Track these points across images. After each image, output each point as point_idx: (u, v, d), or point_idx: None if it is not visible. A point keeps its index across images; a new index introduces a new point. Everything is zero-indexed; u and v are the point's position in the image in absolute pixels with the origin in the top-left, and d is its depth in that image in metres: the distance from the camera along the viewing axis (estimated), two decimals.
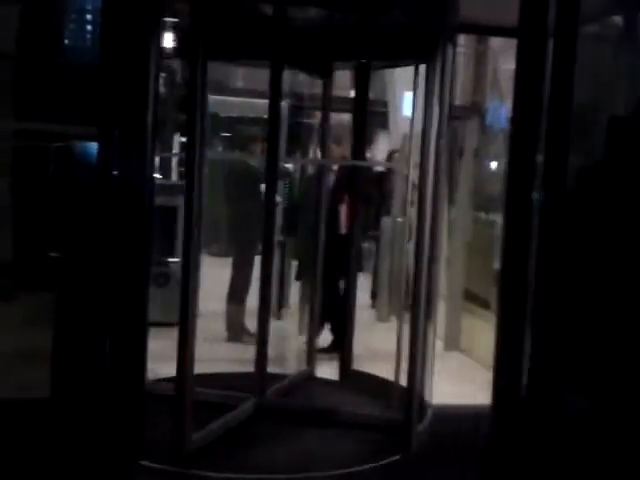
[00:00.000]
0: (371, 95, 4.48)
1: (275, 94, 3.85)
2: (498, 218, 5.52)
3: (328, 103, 4.22)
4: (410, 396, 3.33)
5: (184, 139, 11.21)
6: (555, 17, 2.24)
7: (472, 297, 5.46)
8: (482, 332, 4.81)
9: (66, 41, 3.67)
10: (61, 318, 2.60)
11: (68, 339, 2.52)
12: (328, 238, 4.44)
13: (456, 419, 3.62)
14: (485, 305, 5.28)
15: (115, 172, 2.17)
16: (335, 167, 4.84)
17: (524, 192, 2.25)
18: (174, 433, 2.92)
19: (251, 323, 4.57)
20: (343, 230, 4.67)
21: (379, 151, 9.11)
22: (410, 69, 3.64)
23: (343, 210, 4.70)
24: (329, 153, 4.63)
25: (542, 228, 2.35)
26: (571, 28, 2.25)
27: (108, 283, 2.23)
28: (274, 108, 3.87)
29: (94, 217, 2.23)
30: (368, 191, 4.72)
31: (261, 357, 3.86)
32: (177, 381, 2.87)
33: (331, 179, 4.75)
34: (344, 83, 6.69)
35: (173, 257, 5.48)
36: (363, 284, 5.52)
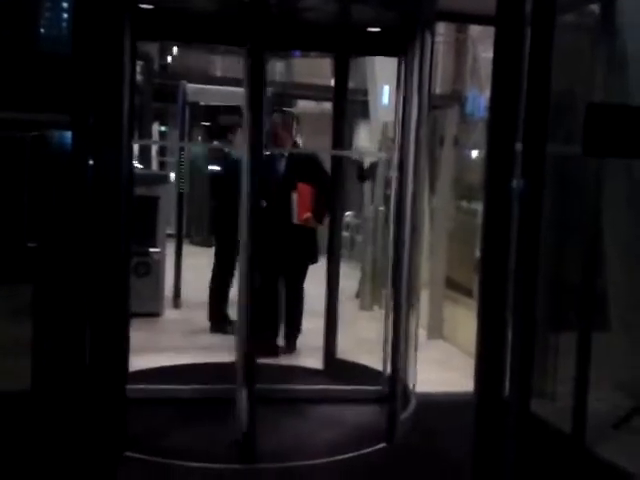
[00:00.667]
0: (352, 84, 4.48)
1: (256, 81, 3.83)
2: (479, 206, 5.57)
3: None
4: (393, 384, 3.36)
5: (163, 128, 11.16)
6: (532, 5, 2.26)
7: (454, 285, 5.51)
8: (465, 320, 4.86)
9: (39, 28, 3.62)
10: (40, 309, 2.59)
11: (48, 330, 2.52)
12: (280, 228, 4.38)
13: (440, 406, 3.66)
14: (467, 293, 5.33)
15: (90, 161, 2.16)
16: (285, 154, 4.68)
17: (503, 180, 2.28)
18: None
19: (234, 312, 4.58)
20: (295, 220, 4.53)
21: (360, 139, 9.12)
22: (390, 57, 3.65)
23: (295, 198, 4.53)
24: (278, 140, 4.59)
25: (522, 215, 2.38)
26: (548, 16, 2.27)
27: (87, 273, 2.22)
28: (256, 96, 3.85)
29: (71, 206, 2.22)
30: (321, 178, 4.49)
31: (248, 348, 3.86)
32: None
33: (282, 166, 4.62)
34: (325, 71, 6.69)
35: (154, 247, 5.46)
36: (347, 273, 5.55)
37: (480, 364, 2.35)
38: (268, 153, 4.47)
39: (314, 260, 4.69)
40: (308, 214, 4.54)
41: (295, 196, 4.53)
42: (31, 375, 2.30)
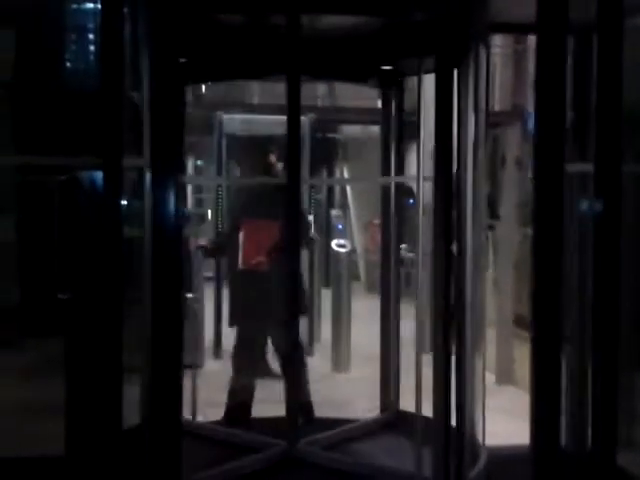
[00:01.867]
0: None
1: (294, 108, 3.90)
2: None
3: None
4: (460, 438, 3.28)
5: (199, 162, 11.39)
6: (597, 8, 2.25)
7: (524, 323, 5.40)
8: None
9: (67, 65, 3.77)
10: (73, 366, 2.64)
11: (82, 388, 2.56)
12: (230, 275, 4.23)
13: (513, 462, 3.56)
14: None
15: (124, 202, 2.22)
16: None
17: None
18: None
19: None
20: (240, 265, 4.28)
21: (410, 163, 9.12)
22: None
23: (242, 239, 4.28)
24: (272, 170, 4.55)
25: (598, 239, 2.34)
26: (616, 21, 2.25)
27: (121, 326, 2.26)
28: (293, 123, 3.91)
29: (104, 253, 2.27)
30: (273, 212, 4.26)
31: (292, 400, 3.86)
32: None
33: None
34: (371, 93, 6.75)
35: (191, 292, 5.53)
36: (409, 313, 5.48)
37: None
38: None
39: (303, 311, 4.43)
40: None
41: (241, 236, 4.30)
42: (65, 438, 2.33)
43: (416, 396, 3.49)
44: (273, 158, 4.64)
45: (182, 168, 2.46)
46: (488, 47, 3.65)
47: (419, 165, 3.83)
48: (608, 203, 2.26)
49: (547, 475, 2.22)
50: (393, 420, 4.14)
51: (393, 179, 4.48)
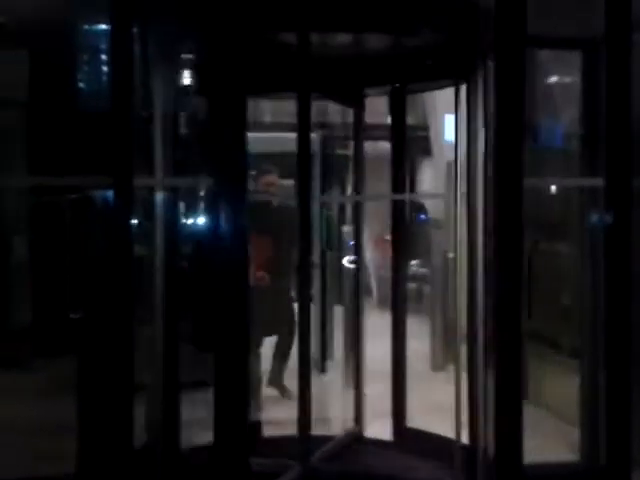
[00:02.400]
0: (410, 119, 4.51)
1: (304, 126, 3.92)
2: (562, 247, 5.45)
3: (359, 132, 4.28)
4: (474, 456, 3.26)
5: None
6: (605, 25, 2.25)
7: (538, 338, 5.35)
8: (552, 378, 4.71)
9: (79, 86, 3.81)
10: (84, 386, 2.65)
11: (94, 407, 2.56)
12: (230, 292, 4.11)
13: (528, 478, 3.52)
14: (554, 347, 5.17)
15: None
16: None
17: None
18: None
19: (290, 379, 4.56)
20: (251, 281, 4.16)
21: (423, 180, 9.13)
22: (450, 88, 3.67)
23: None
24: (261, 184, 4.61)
25: (608, 253, 2.33)
26: (623, 36, 2.25)
27: (131, 345, 2.27)
28: (304, 141, 3.93)
29: (116, 272, 2.29)
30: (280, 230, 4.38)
31: (304, 419, 3.84)
32: None
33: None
34: (380, 108, 6.77)
35: None
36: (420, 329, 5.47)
37: None
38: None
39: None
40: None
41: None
42: (76, 457, 2.34)
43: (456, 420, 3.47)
44: (272, 177, 4.72)
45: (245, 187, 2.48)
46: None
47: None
48: (618, 216, 2.26)
49: None
50: (399, 437, 4.13)
51: (407, 196, 4.49)
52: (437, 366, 6.05)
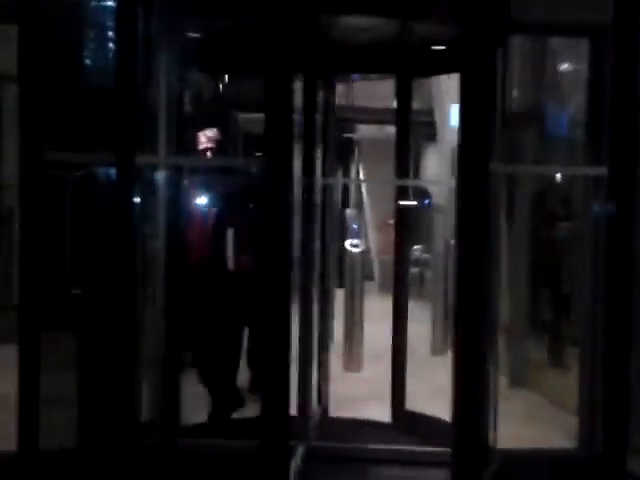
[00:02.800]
0: (417, 104, 4.49)
1: (310, 107, 3.91)
2: (566, 234, 5.45)
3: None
4: (470, 440, 3.27)
5: None
6: (613, 13, 2.24)
7: (540, 325, 5.38)
8: (552, 365, 4.72)
9: (85, 62, 3.80)
10: (85, 360, 2.67)
11: (94, 381, 2.58)
12: (210, 278, 3.67)
13: (525, 466, 3.54)
14: (555, 334, 5.20)
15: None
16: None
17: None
18: None
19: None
20: (231, 266, 3.80)
21: (428, 166, 9.11)
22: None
23: (231, 238, 3.81)
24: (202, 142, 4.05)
25: (611, 244, 2.33)
26: (631, 24, 2.24)
27: (133, 321, 2.28)
28: (309, 122, 3.92)
29: (116, 248, 2.29)
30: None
31: (304, 400, 3.87)
32: None
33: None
34: (387, 92, 6.74)
35: None
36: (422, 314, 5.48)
37: None
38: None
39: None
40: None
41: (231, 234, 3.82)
42: (77, 430, 2.36)
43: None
44: (210, 132, 4.15)
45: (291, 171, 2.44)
46: (506, 48, 3.63)
47: None
48: (621, 206, 2.25)
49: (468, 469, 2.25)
50: (401, 420, 4.15)
51: (411, 182, 4.46)
52: (437, 350, 6.08)
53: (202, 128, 4.10)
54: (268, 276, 2.32)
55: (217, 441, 3.54)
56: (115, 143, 2.14)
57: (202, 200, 3.83)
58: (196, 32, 3.35)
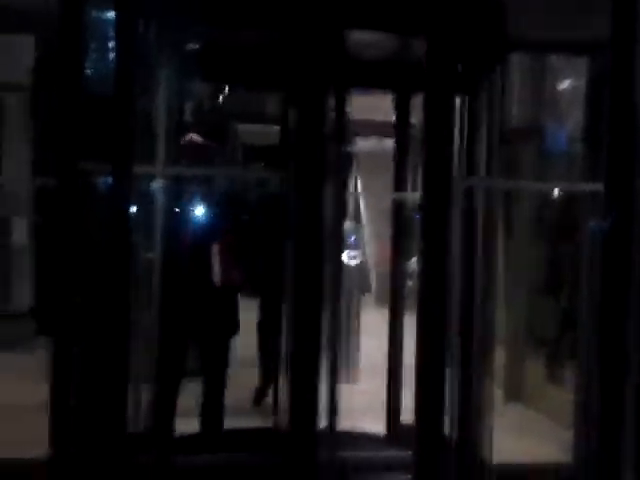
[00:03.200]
0: (416, 119, 4.51)
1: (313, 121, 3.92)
2: (565, 251, 5.45)
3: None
4: (465, 453, 3.28)
5: None
6: (611, 28, 2.25)
7: (536, 341, 5.37)
8: (548, 380, 4.72)
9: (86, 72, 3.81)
10: (82, 367, 2.66)
11: (89, 390, 2.58)
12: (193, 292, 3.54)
13: (520, 478, 3.54)
14: (552, 349, 5.19)
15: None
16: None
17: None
18: None
19: None
20: (217, 280, 3.70)
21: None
22: None
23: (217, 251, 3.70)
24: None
25: (606, 261, 2.34)
26: (629, 39, 2.25)
27: (125, 331, 2.29)
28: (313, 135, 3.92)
29: (112, 258, 2.29)
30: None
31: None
32: None
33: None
34: (386, 106, 6.76)
35: None
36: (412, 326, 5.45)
37: None
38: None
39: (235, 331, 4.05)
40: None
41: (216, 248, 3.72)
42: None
43: None
44: (193, 136, 3.96)
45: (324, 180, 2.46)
46: (505, 65, 3.66)
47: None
48: (617, 222, 2.26)
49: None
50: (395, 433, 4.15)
51: (410, 195, 4.47)
52: None
53: (201, 137, 4.06)
54: (298, 289, 2.34)
55: (213, 455, 3.53)
56: (112, 153, 2.14)
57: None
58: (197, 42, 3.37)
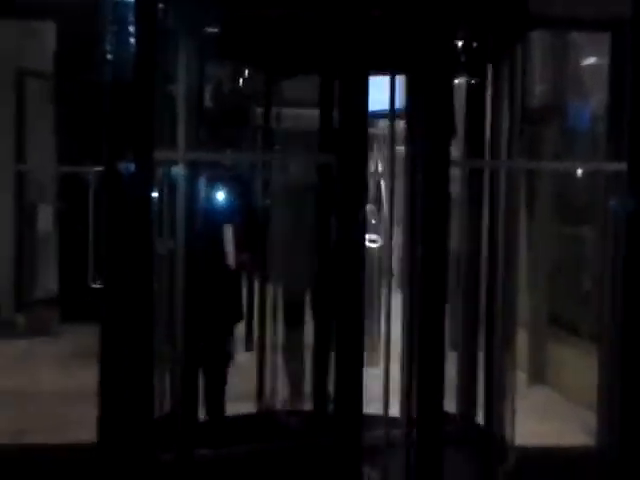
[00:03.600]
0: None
1: (327, 102, 3.91)
2: (586, 231, 5.40)
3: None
4: (489, 436, 3.28)
5: None
6: (632, 8, 2.21)
7: (559, 322, 5.33)
8: (571, 362, 4.70)
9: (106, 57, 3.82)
10: (107, 354, 2.69)
11: (116, 376, 2.61)
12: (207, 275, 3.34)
13: (542, 463, 3.53)
14: (574, 331, 5.15)
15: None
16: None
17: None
18: None
19: None
20: (232, 262, 3.59)
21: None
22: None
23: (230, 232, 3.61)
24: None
25: (630, 240, 2.31)
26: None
27: (150, 315, 2.31)
28: (326, 118, 3.92)
29: (138, 245, 2.30)
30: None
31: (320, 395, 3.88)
32: None
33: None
34: None
35: None
36: None
37: None
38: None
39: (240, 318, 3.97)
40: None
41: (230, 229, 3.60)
42: (98, 425, 2.38)
43: None
44: None
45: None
46: (527, 43, 3.61)
47: None
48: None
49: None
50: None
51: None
52: (453, 345, 6.03)
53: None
54: (340, 274, 2.35)
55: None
56: (131, 139, 2.15)
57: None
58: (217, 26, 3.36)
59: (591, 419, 3.66)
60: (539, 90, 8.17)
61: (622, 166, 2.60)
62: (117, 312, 2.36)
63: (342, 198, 2.36)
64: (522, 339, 4.16)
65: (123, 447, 2.27)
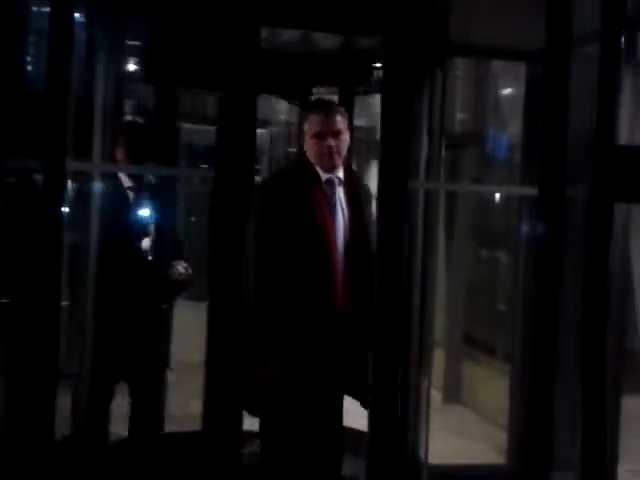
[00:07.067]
0: (361, 121, 4.51)
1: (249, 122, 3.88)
2: (502, 255, 5.55)
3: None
4: (402, 455, 3.28)
5: None
6: (546, 37, 2.30)
7: (474, 343, 5.44)
8: (486, 382, 4.78)
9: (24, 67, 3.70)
10: (12, 369, 2.58)
11: (17, 393, 2.50)
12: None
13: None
14: (489, 351, 5.26)
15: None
16: None
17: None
18: None
19: None
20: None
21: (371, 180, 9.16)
22: None
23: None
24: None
25: (539, 266, 2.38)
26: (562, 49, 2.30)
27: (56, 331, 2.22)
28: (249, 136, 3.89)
29: (45, 258, 2.23)
30: None
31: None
32: None
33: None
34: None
35: None
36: None
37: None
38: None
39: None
40: None
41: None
42: None
43: None
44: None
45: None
46: (446, 71, 3.69)
47: None
48: (550, 226, 2.30)
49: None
50: None
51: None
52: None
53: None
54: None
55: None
56: (44, 149, 2.08)
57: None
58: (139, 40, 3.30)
59: (503, 438, 3.74)
60: (459, 117, 8.40)
61: (533, 191, 2.68)
62: (22, 328, 2.25)
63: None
64: (438, 358, 4.21)
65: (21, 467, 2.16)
